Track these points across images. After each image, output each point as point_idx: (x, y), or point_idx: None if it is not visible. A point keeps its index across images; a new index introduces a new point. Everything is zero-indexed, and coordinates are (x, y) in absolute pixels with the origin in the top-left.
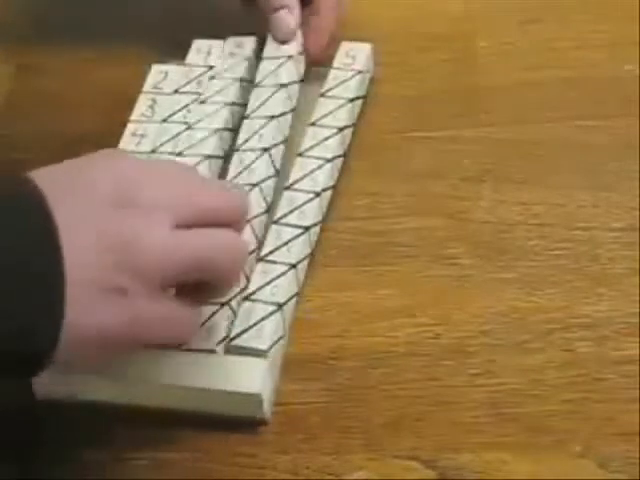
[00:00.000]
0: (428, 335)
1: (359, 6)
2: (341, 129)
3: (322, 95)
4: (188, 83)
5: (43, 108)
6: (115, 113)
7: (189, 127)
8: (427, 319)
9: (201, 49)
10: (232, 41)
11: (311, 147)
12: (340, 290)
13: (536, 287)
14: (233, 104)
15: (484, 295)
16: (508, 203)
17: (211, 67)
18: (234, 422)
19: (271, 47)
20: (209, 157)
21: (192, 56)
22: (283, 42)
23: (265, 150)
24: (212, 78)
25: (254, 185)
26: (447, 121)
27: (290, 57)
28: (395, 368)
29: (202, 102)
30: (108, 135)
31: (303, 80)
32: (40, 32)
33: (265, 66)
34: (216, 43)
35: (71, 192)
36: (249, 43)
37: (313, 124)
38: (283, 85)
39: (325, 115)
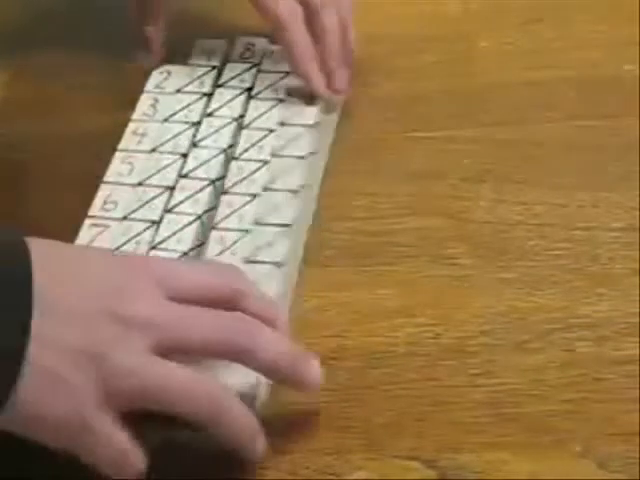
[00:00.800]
0: (428, 335)
1: (359, 6)
2: (312, 126)
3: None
4: (191, 82)
5: (42, 108)
6: (117, 113)
7: (195, 145)
8: (427, 319)
9: (204, 49)
10: (241, 43)
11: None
12: (340, 290)
13: (536, 287)
14: (239, 117)
15: (484, 295)
16: (508, 203)
17: (214, 67)
18: None
19: (269, 60)
20: (214, 181)
21: (196, 56)
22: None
23: (265, 163)
24: (219, 86)
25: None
26: (447, 121)
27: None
28: (395, 368)
29: (209, 115)
30: (109, 135)
31: None
32: (39, 32)
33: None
34: (219, 43)
35: (61, 280)
36: (259, 45)
37: (282, 124)
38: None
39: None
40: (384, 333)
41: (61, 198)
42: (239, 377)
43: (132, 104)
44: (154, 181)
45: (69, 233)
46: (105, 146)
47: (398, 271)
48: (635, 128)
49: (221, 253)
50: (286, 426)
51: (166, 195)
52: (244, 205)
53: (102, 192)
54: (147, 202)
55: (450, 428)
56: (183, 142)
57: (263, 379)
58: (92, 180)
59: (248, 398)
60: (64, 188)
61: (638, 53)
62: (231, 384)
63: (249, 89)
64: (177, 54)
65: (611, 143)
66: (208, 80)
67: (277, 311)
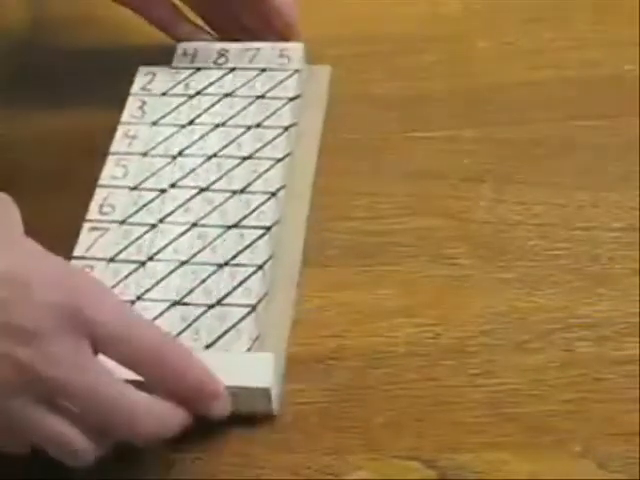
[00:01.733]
0: (428, 335)
1: (359, 5)
2: (286, 128)
3: (262, 96)
4: (176, 85)
5: (40, 108)
6: (104, 114)
7: (180, 153)
8: (427, 319)
9: (187, 51)
10: (215, 48)
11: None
12: (340, 290)
13: (536, 287)
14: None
15: (484, 295)
16: (508, 203)
17: (198, 69)
18: (234, 422)
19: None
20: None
21: (178, 58)
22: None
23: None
24: (198, 93)
25: (273, 194)
26: (447, 121)
27: (264, 70)
28: (395, 368)
29: (191, 122)
30: (99, 136)
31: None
32: (38, 33)
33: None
34: (201, 45)
35: None
36: (233, 50)
37: (257, 126)
38: (259, 97)
39: (268, 116)
40: (384, 333)
41: (57, 199)
42: (251, 374)
43: (118, 106)
44: (149, 184)
45: (66, 235)
46: (96, 147)
47: (398, 271)
48: (635, 128)
49: (203, 249)
50: (286, 426)
51: (161, 199)
52: (224, 202)
53: (98, 195)
54: (144, 205)
55: (450, 428)
56: (174, 145)
57: (276, 375)
58: (88, 180)
59: (261, 394)
60: (60, 189)
61: (638, 53)
62: (244, 380)
63: (227, 95)
64: (159, 56)
65: (611, 143)
66: (193, 83)
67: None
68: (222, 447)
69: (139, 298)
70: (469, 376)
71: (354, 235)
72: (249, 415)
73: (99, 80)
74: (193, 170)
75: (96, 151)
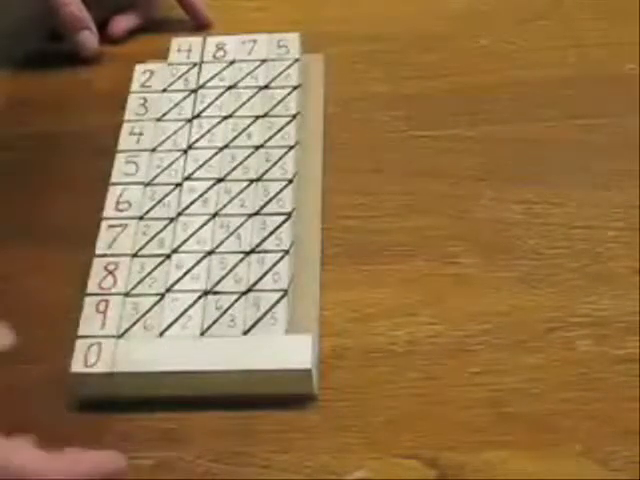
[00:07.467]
0: (428, 334)
1: (358, 5)
2: (294, 116)
3: (266, 87)
4: (176, 81)
5: (40, 108)
6: (103, 113)
7: (191, 147)
8: (427, 318)
9: (181, 47)
10: (213, 42)
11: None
12: (340, 289)
13: (536, 286)
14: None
15: (484, 294)
16: (508, 202)
17: (195, 64)
18: (233, 421)
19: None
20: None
21: (173, 54)
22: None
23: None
24: (201, 87)
25: (290, 181)
26: (447, 120)
27: (264, 61)
28: (395, 367)
29: (198, 116)
30: (103, 134)
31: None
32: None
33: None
34: (195, 40)
35: None
36: (230, 44)
37: (265, 115)
38: (262, 87)
39: (275, 105)
40: (384, 332)
41: (66, 198)
42: (291, 356)
43: (113, 104)
44: (163, 179)
45: (80, 234)
46: (95, 145)
47: (398, 270)
48: (635, 127)
49: (227, 239)
50: (286, 425)
51: (177, 192)
52: (242, 191)
53: (112, 193)
54: (161, 200)
55: (450, 427)
56: (182, 139)
57: (314, 356)
58: (91, 179)
59: (303, 375)
60: (67, 188)
61: (639, 52)
62: (285, 363)
63: (231, 87)
64: (154, 52)
65: (612, 142)
66: (193, 77)
67: None
68: (222, 447)
69: (168, 290)
70: (469, 375)
71: (354, 234)
72: (291, 398)
73: (97, 78)
74: (207, 162)
75: (98, 150)
